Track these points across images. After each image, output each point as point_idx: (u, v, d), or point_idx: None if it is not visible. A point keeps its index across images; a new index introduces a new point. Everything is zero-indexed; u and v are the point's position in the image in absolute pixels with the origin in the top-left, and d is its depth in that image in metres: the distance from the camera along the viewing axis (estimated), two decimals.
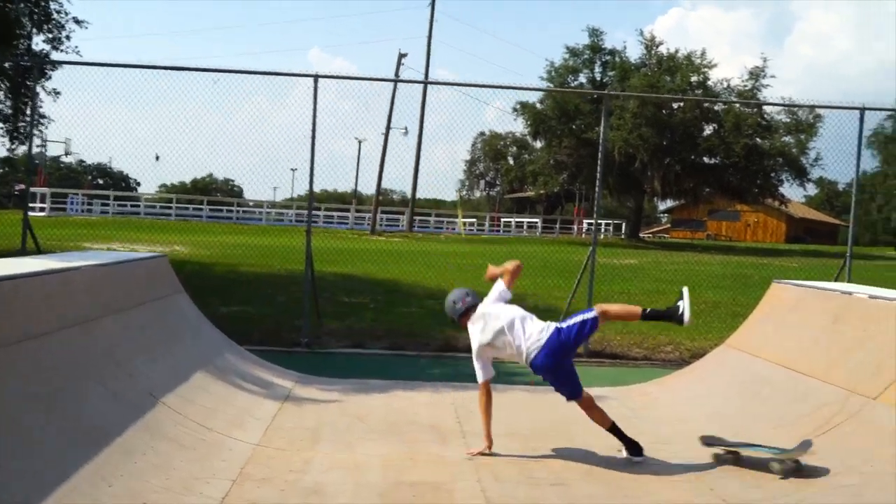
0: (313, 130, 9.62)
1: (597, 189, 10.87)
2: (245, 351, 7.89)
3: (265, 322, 11.15)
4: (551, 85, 36.63)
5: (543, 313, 12.37)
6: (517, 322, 5.44)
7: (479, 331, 5.56)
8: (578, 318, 5.40)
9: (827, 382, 5.97)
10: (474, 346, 5.60)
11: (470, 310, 5.69)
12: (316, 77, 9.57)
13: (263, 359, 8.08)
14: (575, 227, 49.06)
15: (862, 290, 6.91)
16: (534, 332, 5.38)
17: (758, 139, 35.00)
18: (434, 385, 7.67)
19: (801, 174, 35.79)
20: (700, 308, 13.72)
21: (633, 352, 10.69)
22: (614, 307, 5.68)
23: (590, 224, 44.88)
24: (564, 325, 5.38)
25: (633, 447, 5.45)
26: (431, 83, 22.05)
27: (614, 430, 5.47)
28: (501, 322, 5.45)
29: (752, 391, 6.54)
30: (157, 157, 11.74)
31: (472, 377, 8.68)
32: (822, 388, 5.96)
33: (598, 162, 10.51)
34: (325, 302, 12.77)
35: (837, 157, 11.28)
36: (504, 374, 9.15)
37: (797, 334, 6.94)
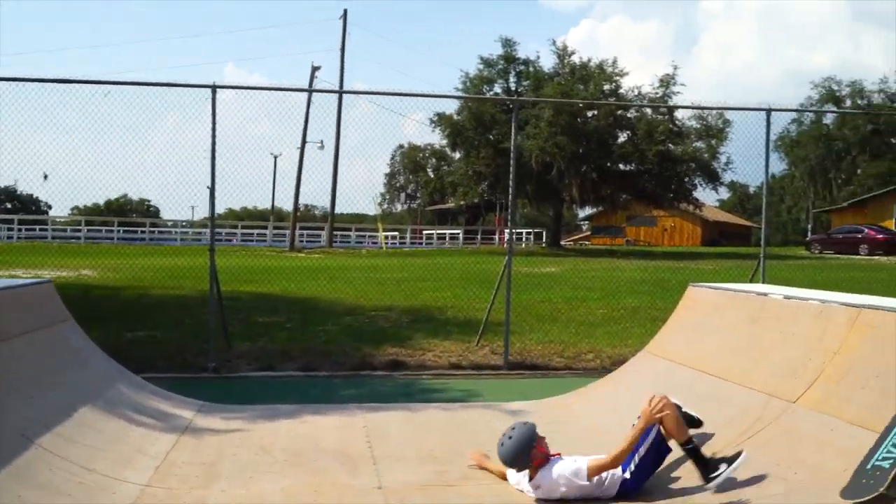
0: (213, 144, 9.17)
1: (510, 197, 10.65)
2: (142, 381, 7.36)
3: (172, 347, 10.59)
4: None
5: (463, 326, 12.23)
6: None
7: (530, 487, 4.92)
8: (642, 451, 4.91)
9: (747, 387, 5.83)
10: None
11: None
12: (214, 88, 9.11)
13: (168, 387, 7.60)
14: (496, 236, 49.17)
15: (777, 291, 6.83)
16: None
17: (670, 145, 35.59)
18: (346, 407, 7.28)
19: (713, 178, 36.54)
20: (619, 314, 13.67)
21: (554, 362, 10.49)
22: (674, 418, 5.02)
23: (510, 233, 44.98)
24: (632, 470, 4.88)
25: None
26: (341, 92, 21.64)
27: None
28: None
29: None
30: (46, 177, 11.03)
31: (385, 397, 8.36)
32: (742, 392, 5.81)
33: (511, 169, 10.32)
34: (239, 323, 12.27)
35: (747, 161, 11.39)
36: (420, 391, 8.85)
37: (715, 338, 6.81)
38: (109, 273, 17.97)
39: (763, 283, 10.33)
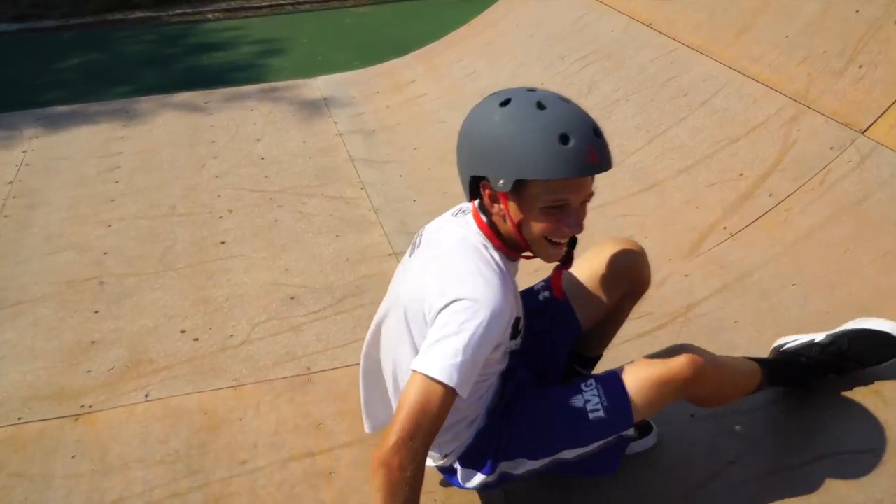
0: None
1: None
2: None
3: None
4: None
5: None
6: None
7: None
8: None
9: (751, 77, 3.02)
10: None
11: None
12: None
13: None
14: None
15: None
16: None
17: None
18: (9, 119, 4.06)
19: None
20: None
21: None
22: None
23: None
24: None
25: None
26: None
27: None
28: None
29: (590, 80, 3.55)
30: None
31: (128, 66, 5.13)
32: (741, 90, 3.02)
33: None
34: None
35: None
36: (190, 50, 5.47)
37: None
38: None
39: None
